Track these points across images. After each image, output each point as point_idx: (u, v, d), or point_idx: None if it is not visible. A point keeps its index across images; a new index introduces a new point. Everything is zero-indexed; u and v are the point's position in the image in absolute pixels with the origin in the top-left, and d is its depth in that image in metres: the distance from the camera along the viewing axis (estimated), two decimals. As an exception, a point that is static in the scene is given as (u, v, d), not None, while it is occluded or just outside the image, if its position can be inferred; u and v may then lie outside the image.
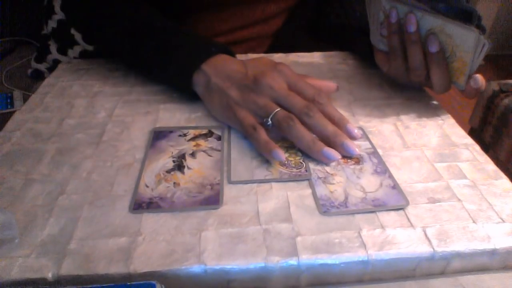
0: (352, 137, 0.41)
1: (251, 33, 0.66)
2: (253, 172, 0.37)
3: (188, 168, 0.38)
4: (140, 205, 0.34)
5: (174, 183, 0.36)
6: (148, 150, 0.40)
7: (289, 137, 0.40)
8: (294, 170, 0.37)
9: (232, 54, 0.48)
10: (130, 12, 0.52)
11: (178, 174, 0.37)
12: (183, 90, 0.48)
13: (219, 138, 0.42)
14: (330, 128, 0.40)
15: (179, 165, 0.38)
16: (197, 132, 0.43)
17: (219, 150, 0.40)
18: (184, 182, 0.36)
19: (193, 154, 0.40)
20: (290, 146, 0.40)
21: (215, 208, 0.33)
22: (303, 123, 0.40)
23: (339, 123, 0.41)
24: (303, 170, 0.37)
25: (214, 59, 0.46)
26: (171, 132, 0.43)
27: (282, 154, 0.37)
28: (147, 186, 0.36)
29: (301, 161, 0.38)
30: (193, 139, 0.42)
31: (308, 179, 0.36)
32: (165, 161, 0.39)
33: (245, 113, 0.42)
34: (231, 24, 0.63)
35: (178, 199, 0.34)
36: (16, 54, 1.11)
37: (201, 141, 0.41)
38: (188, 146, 0.41)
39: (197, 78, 0.46)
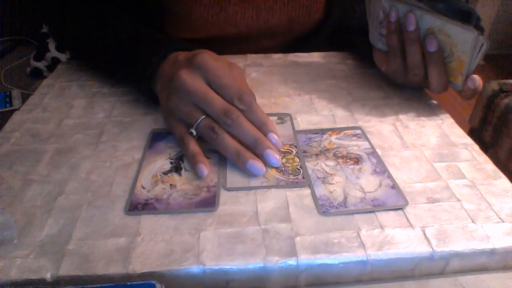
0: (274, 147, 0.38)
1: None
2: (250, 178, 0.37)
3: (186, 170, 0.38)
4: (136, 207, 0.33)
5: (171, 184, 0.36)
6: (146, 151, 0.40)
7: (216, 148, 0.38)
8: (291, 176, 0.37)
9: (188, 47, 0.44)
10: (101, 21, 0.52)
11: (175, 175, 0.37)
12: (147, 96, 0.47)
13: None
14: (251, 135, 0.37)
15: (177, 167, 0.38)
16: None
17: (217, 152, 0.40)
18: (180, 184, 0.36)
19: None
20: (288, 151, 0.40)
21: (211, 211, 0.33)
22: (226, 129, 0.38)
23: (262, 129, 0.38)
24: (300, 177, 0.37)
25: (166, 61, 0.43)
26: (169, 133, 0.42)
27: (205, 169, 0.36)
28: (143, 188, 0.35)
29: (298, 167, 0.38)
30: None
31: (304, 187, 0.36)
32: (163, 162, 0.39)
33: (173, 121, 0.41)
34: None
35: (174, 201, 0.34)
36: (15, 54, 1.11)
37: (199, 143, 0.41)
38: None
39: (153, 86, 0.44)
